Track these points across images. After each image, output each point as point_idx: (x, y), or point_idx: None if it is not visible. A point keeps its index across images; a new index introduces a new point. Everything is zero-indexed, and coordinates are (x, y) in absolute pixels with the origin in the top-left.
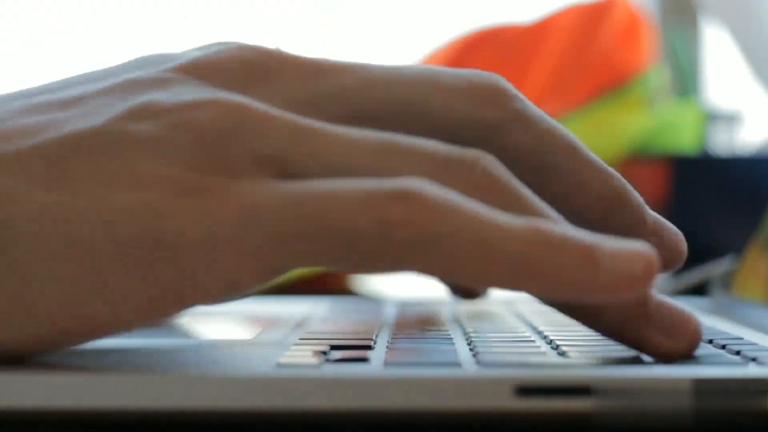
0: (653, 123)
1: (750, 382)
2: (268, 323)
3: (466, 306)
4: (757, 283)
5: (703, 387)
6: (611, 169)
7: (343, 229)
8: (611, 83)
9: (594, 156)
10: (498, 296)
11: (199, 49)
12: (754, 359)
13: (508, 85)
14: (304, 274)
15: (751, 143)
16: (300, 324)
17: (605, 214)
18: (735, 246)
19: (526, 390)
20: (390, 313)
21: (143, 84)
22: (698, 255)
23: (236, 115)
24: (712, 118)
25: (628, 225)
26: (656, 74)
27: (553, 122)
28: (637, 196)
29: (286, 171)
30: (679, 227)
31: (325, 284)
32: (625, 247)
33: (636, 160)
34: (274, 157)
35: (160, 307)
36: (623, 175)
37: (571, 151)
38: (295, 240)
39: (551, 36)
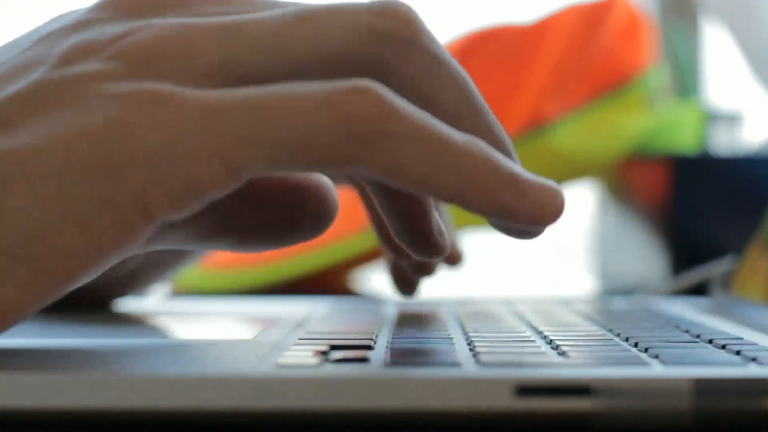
0: (653, 123)
1: (750, 382)
2: (268, 323)
3: (466, 306)
4: (757, 283)
5: (703, 387)
6: (495, 120)
7: (305, 125)
8: (611, 83)
9: (483, 106)
10: (498, 296)
11: None
12: (754, 359)
13: (412, 17)
14: (304, 274)
15: (751, 143)
16: (300, 324)
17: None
18: (735, 246)
19: (526, 390)
20: (390, 313)
21: (66, 31)
22: (698, 255)
23: (175, 32)
24: (712, 118)
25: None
26: (656, 74)
27: (451, 61)
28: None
29: (235, 74)
30: (679, 227)
31: (325, 284)
32: (545, 183)
33: (636, 160)
34: (222, 62)
35: (131, 221)
36: (623, 175)
37: (461, 94)
38: (257, 140)
39: (551, 36)
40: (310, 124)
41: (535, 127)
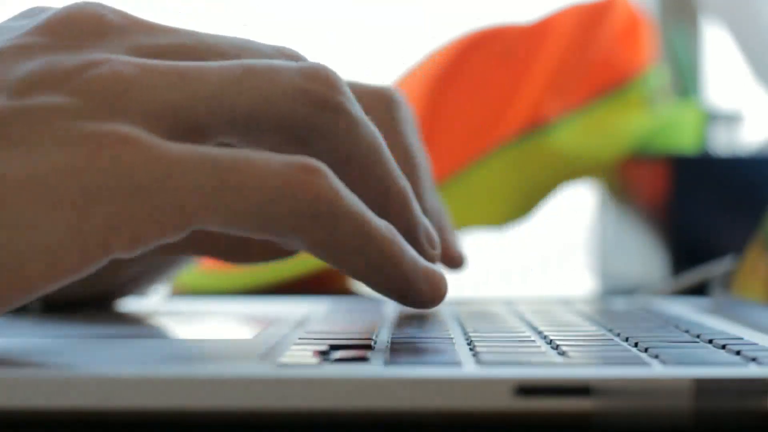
0: (653, 123)
1: (750, 382)
2: (268, 323)
3: (467, 306)
4: (757, 283)
5: (703, 387)
6: (400, 174)
7: (261, 197)
8: (611, 83)
9: (392, 163)
10: (498, 296)
11: (44, 10)
12: (754, 359)
13: (338, 83)
14: (303, 274)
15: (751, 143)
16: (300, 324)
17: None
18: (735, 246)
19: (526, 390)
20: (390, 313)
21: (13, 53)
22: (698, 255)
23: (133, 73)
24: (712, 118)
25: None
26: (656, 74)
27: (368, 124)
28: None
29: (184, 122)
30: (679, 227)
31: (325, 284)
32: (434, 271)
33: (636, 160)
34: (174, 109)
35: (91, 253)
36: (623, 175)
37: (376, 155)
38: (215, 202)
39: (551, 36)
40: (265, 196)
41: (535, 127)
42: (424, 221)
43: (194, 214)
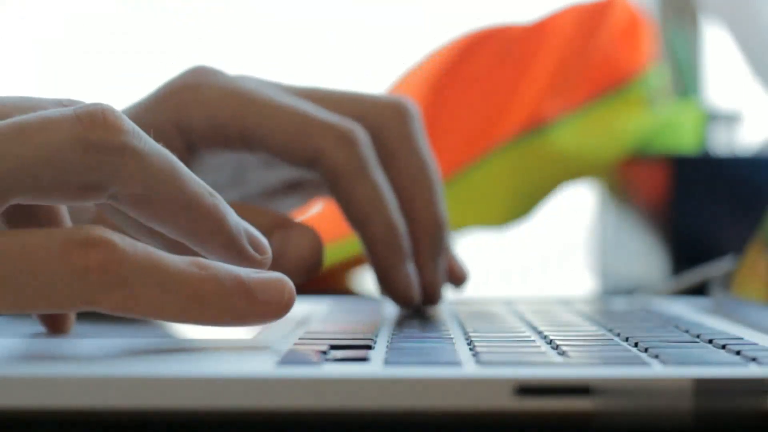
0: (653, 123)
1: (750, 382)
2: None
3: (467, 306)
4: (757, 283)
5: (703, 387)
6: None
7: (42, 274)
8: (611, 83)
9: (191, 184)
10: (498, 296)
11: None
12: (754, 359)
13: (119, 123)
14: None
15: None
16: (300, 324)
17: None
18: (735, 246)
19: (526, 390)
20: (390, 313)
21: None
22: (698, 255)
23: None
24: (712, 118)
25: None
26: (656, 74)
27: (159, 153)
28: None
29: None
30: (679, 227)
31: (325, 284)
32: (269, 277)
33: (636, 160)
34: None
35: None
36: (623, 175)
37: (172, 185)
38: None
39: (551, 36)
40: (48, 275)
41: (535, 127)
42: (247, 228)
43: None
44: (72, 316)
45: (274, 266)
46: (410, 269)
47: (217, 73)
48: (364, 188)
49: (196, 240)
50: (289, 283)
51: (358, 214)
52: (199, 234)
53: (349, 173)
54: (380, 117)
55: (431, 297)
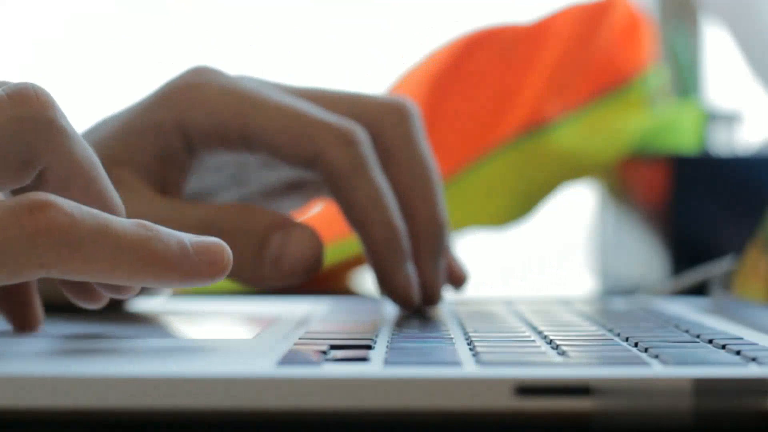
0: (653, 123)
1: (750, 382)
2: (268, 323)
3: (467, 306)
4: (757, 283)
5: (703, 387)
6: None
7: None
8: (611, 83)
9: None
10: (498, 296)
11: None
12: (754, 359)
13: (45, 98)
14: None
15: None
16: (300, 324)
17: None
18: (735, 246)
19: (526, 390)
20: (390, 313)
21: None
22: (698, 255)
23: None
24: (712, 118)
25: None
26: (656, 74)
27: (76, 135)
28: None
29: None
30: (679, 227)
31: (325, 284)
32: (209, 241)
33: (636, 160)
34: None
35: None
36: (623, 175)
37: (91, 163)
38: None
39: (551, 36)
40: (0, 242)
41: (535, 127)
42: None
43: None
44: (38, 311)
45: (273, 267)
46: (410, 270)
47: (217, 73)
48: (364, 189)
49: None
50: (227, 248)
51: (358, 214)
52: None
53: (349, 173)
54: (380, 117)
55: (431, 297)
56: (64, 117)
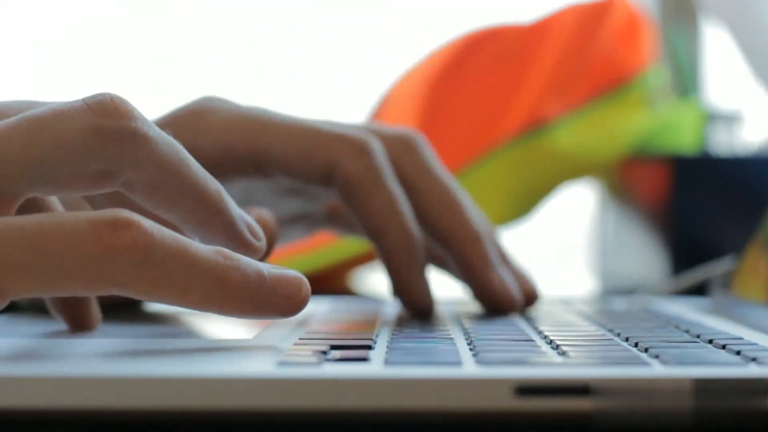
0: (653, 123)
1: (750, 382)
2: (268, 323)
3: (466, 306)
4: (757, 283)
5: (703, 387)
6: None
7: (72, 255)
8: (611, 83)
9: (199, 176)
10: None
11: None
12: (754, 359)
13: (128, 109)
14: (304, 274)
15: (751, 143)
16: (300, 324)
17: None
18: (735, 246)
19: (526, 390)
20: (390, 313)
21: None
22: (698, 255)
23: None
24: (712, 118)
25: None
26: (656, 74)
27: (167, 141)
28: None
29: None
30: (679, 227)
31: (325, 284)
32: (287, 273)
33: (636, 160)
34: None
35: None
36: (623, 175)
37: (183, 168)
38: (27, 269)
39: (551, 36)
40: (77, 255)
41: (535, 127)
42: (244, 216)
43: (9, 289)
44: (96, 310)
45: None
46: (426, 277)
47: (223, 101)
48: (380, 197)
49: (199, 224)
50: (306, 282)
51: (375, 222)
52: (202, 218)
53: (365, 183)
54: (392, 151)
55: (509, 304)
56: (146, 122)
